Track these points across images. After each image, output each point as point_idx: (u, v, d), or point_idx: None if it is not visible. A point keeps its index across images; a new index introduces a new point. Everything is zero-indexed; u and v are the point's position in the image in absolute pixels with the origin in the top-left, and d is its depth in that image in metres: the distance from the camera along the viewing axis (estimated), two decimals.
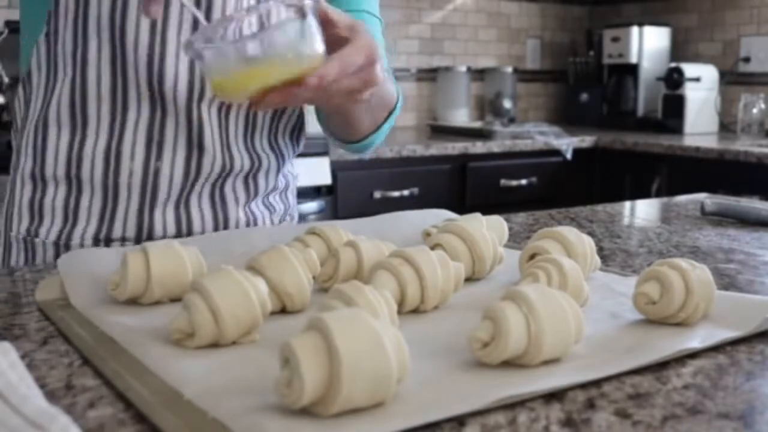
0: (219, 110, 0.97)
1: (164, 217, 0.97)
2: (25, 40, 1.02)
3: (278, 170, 1.07)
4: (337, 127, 1.05)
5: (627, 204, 1.40)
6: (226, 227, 1.01)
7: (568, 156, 2.90)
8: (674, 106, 3.19)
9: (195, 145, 0.96)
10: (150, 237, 0.97)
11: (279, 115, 1.04)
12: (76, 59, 0.94)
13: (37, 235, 0.98)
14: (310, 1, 0.72)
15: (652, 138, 2.94)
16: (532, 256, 0.79)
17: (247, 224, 1.03)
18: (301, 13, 0.72)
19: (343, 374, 0.46)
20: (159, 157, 0.95)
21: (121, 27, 0.92)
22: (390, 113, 1.05)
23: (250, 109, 0.83)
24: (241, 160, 1.00)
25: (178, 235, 0.98)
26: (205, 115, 0.95)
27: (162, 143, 0.95)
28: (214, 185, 0.99)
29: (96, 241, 0.97)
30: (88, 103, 0.94)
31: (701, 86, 3.18)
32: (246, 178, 1.02)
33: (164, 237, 0.97)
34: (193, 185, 0.98)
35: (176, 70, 0.93)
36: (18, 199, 1.00)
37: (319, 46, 0.73)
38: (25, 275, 0.84)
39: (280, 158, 1.06)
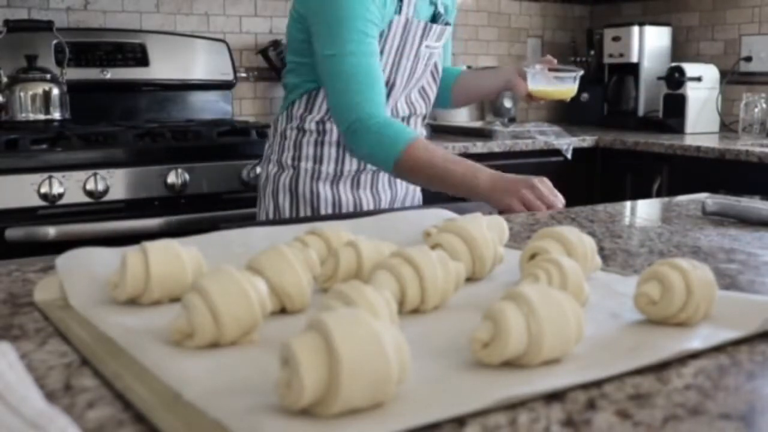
0: None
1: None
2: None
3: None
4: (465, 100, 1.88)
5: (628, 204, 1.40)
6: None
7: (569, 156, 2.89)
8: (675, 105, 3.18)
9: None
10: None
11: None
12: None
13: None
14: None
15: (653, 138, 2.94)
16: (533, 256, 0.79)
17: None
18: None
19: (343, 375, 0.46)
20: None
21: None
22: None
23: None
24: None
25: None
26: None
27: None
28: None
29: None
30: None
31: (702, 86, 3.17)
32: None
33: None
34: None
35: None
36: None
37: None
38: (25, 275, 0.84)
39: None
